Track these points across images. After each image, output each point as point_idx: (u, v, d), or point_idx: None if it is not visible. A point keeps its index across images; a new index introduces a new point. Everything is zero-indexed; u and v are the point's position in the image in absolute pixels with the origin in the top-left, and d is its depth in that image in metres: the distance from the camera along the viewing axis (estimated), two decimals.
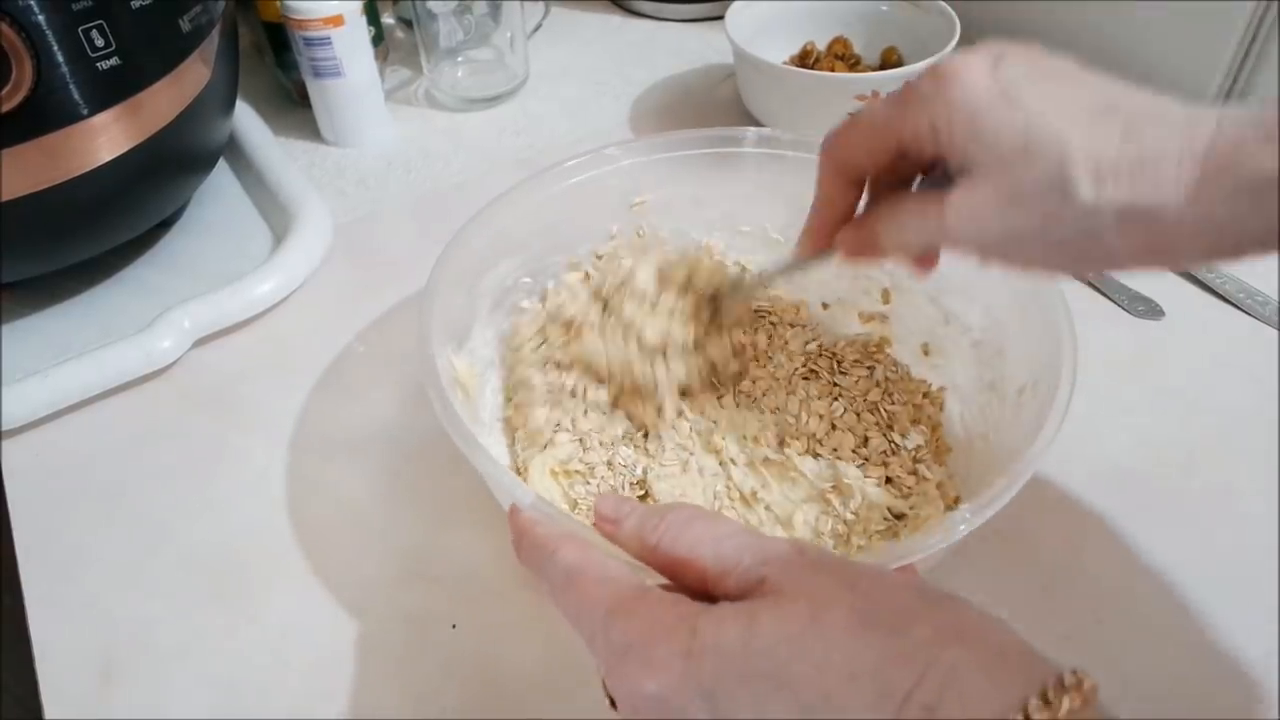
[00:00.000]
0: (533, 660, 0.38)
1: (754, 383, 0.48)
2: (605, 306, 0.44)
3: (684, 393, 0.45)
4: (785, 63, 0.67)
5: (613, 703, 0.26)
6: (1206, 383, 0.49)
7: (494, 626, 0.40)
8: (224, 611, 0.41)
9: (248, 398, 0.51)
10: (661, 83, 0.76)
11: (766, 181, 0.49)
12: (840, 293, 0.50)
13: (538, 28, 0.82)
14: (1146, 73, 0.57)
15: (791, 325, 0.50)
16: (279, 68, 0.71)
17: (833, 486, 0.42)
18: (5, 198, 0.45)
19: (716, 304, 0.44)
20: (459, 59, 0.74)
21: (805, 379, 0.48)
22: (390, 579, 0.42)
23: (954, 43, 0.61)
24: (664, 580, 0.28)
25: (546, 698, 0.37)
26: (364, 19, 0.65)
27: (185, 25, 0.50)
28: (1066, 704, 0.20)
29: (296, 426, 0.49)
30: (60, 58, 0.44)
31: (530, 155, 0.68)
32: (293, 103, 0.73)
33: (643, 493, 0.44)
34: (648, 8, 0.86)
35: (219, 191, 0.64)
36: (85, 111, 0.46)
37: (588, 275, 0.49)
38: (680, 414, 0.46)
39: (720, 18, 0.67)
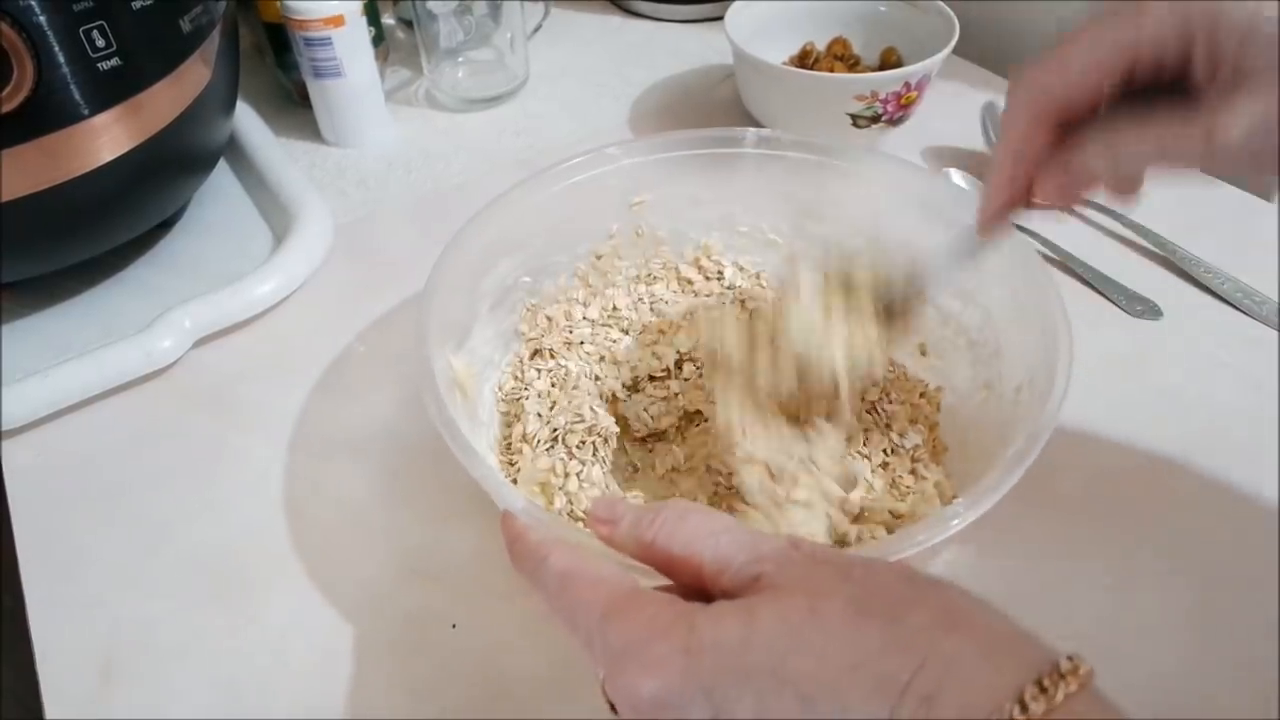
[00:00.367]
0: (533, 660, 0.39)
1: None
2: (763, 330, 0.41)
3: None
4: (785, 63, 0.67)
5: (613, 707, 0.26)
6: (1204, 383, 0.49)
7: (494, 626, 0.40)
8: (224, 611, 0.41)
9: (248, 398, 0.51)
10: (661, 83, 0.76)
11: (766, 182, 0.49)
12: None
13: (538, 28, 0.82)
14: None
15: None
16: (279, 68, 0.72)
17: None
18: (5, 198, 0.45)
19: (889, 308, 0.40)
20: (459, 59, 0.74)
21: None
22: (390, 579, 0.42)
23: (953, 43, 0.61)
24: (659, 581, 0.28)
25: (547, 697, 0.37)
26: (364, 19, 0.65)
27: (186, 26, 0.50)
28: (1063, 690, 0.20)
29: (296, 427, 0.49)
30: (61, 58, 0.44)
31: (530, 155, 0.68)
32: (293, 103, 0.73)
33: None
34: (647, 8, 0.86)
35: (219, 192, 0.64)
36: (86, 112, 0.46)
37: (744, 304, 0.48)
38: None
39: (720, 18, 0.67)
